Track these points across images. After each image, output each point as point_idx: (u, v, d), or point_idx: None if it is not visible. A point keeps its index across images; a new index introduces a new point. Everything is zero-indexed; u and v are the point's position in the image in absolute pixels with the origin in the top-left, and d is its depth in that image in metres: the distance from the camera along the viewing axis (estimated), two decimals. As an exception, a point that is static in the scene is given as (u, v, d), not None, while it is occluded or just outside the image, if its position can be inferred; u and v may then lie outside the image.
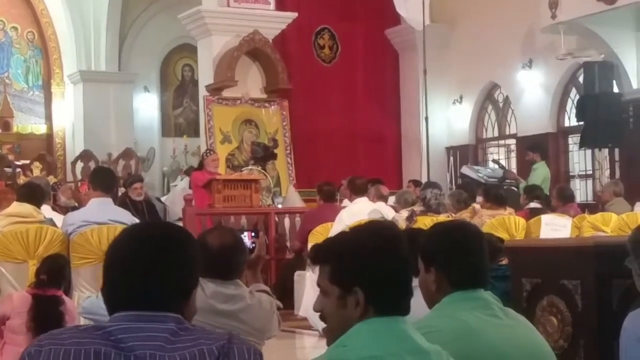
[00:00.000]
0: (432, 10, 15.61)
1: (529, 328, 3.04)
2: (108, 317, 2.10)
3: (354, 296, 2.32)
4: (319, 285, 2.42)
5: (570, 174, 14.94)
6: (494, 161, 14.55)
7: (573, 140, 14.71)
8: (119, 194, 12.33)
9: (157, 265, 2.09)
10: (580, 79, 14.25)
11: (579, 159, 14.91)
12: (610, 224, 9.59)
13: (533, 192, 10.87)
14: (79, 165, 18.03)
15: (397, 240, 2.38)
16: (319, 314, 2.45)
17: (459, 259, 2.92)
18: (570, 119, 14.78)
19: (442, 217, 9.04)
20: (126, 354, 1.99)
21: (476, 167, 14.26)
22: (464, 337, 2.77)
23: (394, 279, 2.34)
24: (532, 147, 13.45)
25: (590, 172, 14.69)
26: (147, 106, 20.94)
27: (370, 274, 2.31)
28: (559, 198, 10.69)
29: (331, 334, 2.38)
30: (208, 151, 13.08)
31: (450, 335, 2.74)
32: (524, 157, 15.13)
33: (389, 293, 2.32)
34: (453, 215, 9.48)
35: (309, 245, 8.84)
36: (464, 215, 9.45)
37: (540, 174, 12.84)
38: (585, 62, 13.62)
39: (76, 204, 12.60)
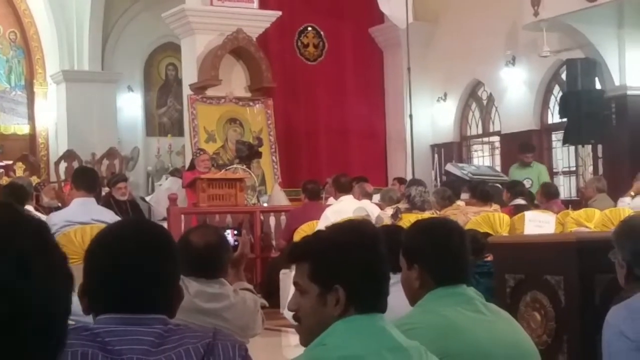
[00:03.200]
0: (415, 8, 15.65)
1: (512, 324, 3.06)
2: (88, 317, 2.09)
3: (334, 294, 2.30)
4: (295, 284, 2.41)
5: (554, 170, 14.99)
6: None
7: (556, 137, 14.77)
8: (103, 193, 12.30)
9: (140, 267, 2.08)
10: (563, 76, 14.30)
11: (562, 156, 14.96)
12: (594, 220, 9.62)
13: (515, 188, 10.90)
14: (63, 165, 17.96)
15: (376, 237, 2.39)
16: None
17: (441, 255, 2.93)
18: (554, 116, 14.83)
19: (427, 215, 9.06)
20: (113, 358, 1.98)
21: (461, 165, 14.27)
22: (447, 333, 2.78)
23: (374, 276, 2.34)
24: (531, 147, 13.41)
25: (574, 169, 14.75)
26: (130, 105, 20.87)
27: (352, 271, 2.31)
28: (543, 195, 10.74)
29: (308, 334, 2.37)
30: (198, 151, 13.07)
31: (434, 331, 2.75)
32: (508, 154, 15.21)
33: (369, 290, 2.32)
34: (438, 212, 9.49)
35: (294, 244, 8.85)
36: (449, 212, 9.47)
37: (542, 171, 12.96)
38: (567, 59, 13.68)
39: (59, 204, 12.56)
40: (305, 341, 2.37)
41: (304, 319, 2.39)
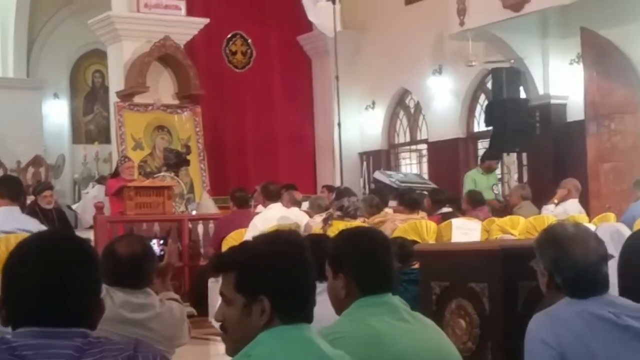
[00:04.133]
0: (343, 16, 15.70)
1: (436, 331, 3.09)
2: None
3: (259, 304, 2.30)
4: (221, 294, 2.41)
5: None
6: None
7: (482, 145, 14.94)
8: (28, 202, 12.12)
9: (59, 279, 2.05)
10: (489, 85, 14.49)
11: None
12: (518, 227, 9.76)
13: (436, 195, 11.00)
14: (-13, 173, 17.65)
15: (301, 247, 2.39)
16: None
17: (366, 264, 2.96)
18: (480, 124, 15.01)
19: (357, 222, 9.08)
20: None
21: (389, 172, 14.38)
22: (372, 342, 2.80)
23: (299, 287, 2.34)
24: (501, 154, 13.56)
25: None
26: (57, 113, 20.57)
27: (276, 282, 2.31)
28: (469, 202, 10.85)
29: (234, 344, 2.36)
30: (123, 158, 12.93)
31: (359, 340, 2.77)
32: (435, 162, 15.38)
33: (294, 301, 2.32)
34: (367, 219, 9.53)
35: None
36: (377, 219, 9.51)
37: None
38: (493, 68, 13.86)
39: (-16, 213, 12.31)
40: (231, 351, 2.37)
41: (230, 329, 2.39)
